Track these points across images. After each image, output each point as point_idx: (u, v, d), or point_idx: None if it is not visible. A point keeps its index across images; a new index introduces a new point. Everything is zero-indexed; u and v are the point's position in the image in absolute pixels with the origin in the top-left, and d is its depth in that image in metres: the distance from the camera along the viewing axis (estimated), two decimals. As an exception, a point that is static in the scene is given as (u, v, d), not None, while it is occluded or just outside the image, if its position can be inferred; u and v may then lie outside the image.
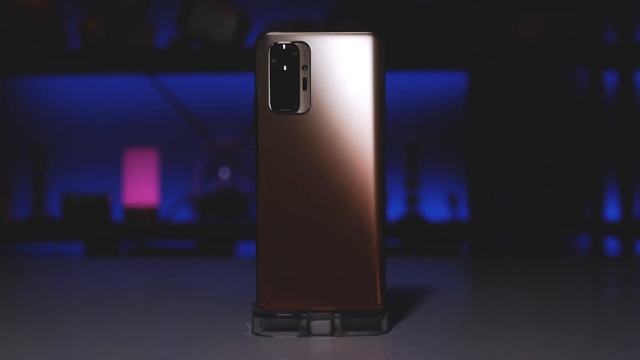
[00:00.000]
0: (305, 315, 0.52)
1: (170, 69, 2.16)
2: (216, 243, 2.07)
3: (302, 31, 0.53)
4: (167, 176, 2.17)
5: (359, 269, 0.51)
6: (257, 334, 0.52)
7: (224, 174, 2.08)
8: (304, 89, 0.52)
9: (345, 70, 0.52)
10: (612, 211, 2.15)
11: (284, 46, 0.52)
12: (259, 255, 0.52)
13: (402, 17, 2.02)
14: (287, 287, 0.52)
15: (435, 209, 2.15)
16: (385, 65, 0.52)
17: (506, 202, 2.17)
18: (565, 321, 0.58)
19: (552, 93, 2.26)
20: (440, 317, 0.59)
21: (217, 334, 0.53)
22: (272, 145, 0.52)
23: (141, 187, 2.07)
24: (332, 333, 0.52)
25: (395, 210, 2.11)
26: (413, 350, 0.49)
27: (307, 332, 0.52)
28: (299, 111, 0.52)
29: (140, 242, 2.16)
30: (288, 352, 0.49)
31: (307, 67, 0.52)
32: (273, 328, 0.52)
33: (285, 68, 0.52)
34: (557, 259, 1.22)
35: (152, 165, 2.09)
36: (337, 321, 0.52)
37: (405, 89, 2.20)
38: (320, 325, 0.52)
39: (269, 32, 0.52)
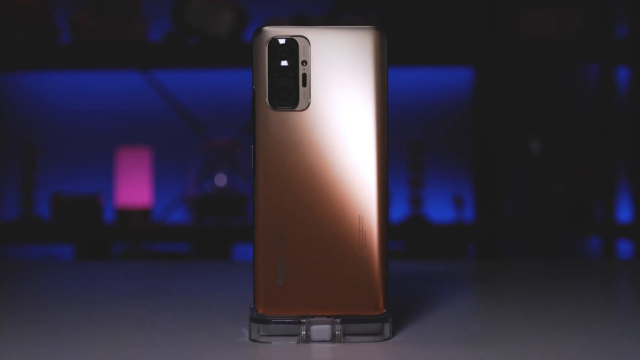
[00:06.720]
0: (304, 320, 0.51)
1: (164, 64, 2.13)
2: (212, 245, 2.06)
3: (302, 25, 0.49)
4: (161, 176, 2.15)
5: (361, 272, 0.51)
6: (255, 340, 0.52)
7: (221, 181, 2.05)
8: (304, 85, 0.51)
9: (346, 65, 0.51)
10: (624, 212, 2.11)
11: (282, 41, 0.51)
12: (256, 258, 0.51)
13: (404, 11, 1.99)
14: (286, 291, 0.51)
15: (440, 210, 2.12)
16: (387, 61, 0.51)
17: (513, 203, 2.14)
18: (575, 328, 0.57)
19: (561, 89, 2.22)
20: (445, 323, 0.58)
21: (213, 340, 0.53)
22: (270, 144, 0.51)
23: (134, 187, 2.05)
24: (332, 339, 0.51)
25: (399, 211, 2.08)
26: (417, 357, 0.49)
27: (307, 338, 0.51)
28: (298, 108, 0.51)
29: (133, 244, 2.14)
30: (287, 359, 0.48)
31: (307, 62, 0.51)
32: (271, 334, 0.51)
33: (283, 63, 0.51)
34: (566, 261, 1.22)
35: (145, 165, 2.07)
36: (337, 327, 0.51)
37: (408, 85, 2.18)
38: (321, 331, 0.51)
39: (267, 26, 0.52)
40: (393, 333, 0.52)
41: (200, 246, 2.06)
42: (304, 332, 0.51)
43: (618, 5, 2.11)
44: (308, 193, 0.51)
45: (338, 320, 0.51)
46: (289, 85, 0.51)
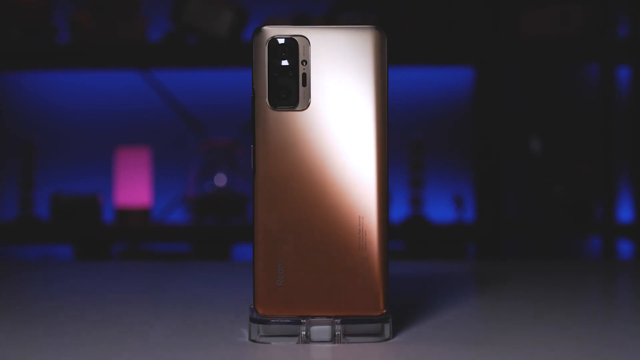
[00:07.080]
0: (304, 321, 0.51)
1: (164, 64, 2.12)
2: (212, 245, 2.05)
3: (302, 25, 0.48)
4: (161, 176, 2.14)
5: (361, 272, 0.50)
6: (255, 341, 0.51)
7: (220, 181, 2.05)
8: (304, 85, 0.51)
9: (346, 65, 0.51)
10: (624, 212, 2.10)
11: (282, 40, 0.51)
12: (256, 258, 0.51)
13: (404, 11, 1.98)
14: (285, 291, 0.51)
15: (440, 210, 2.11)
16: (388, 60, 0.51)
17: (513, 203, 2.13)
18: (576, 329, 0.57)
19: (561, 89, 2.22)
20: (445, 323, 0.58)
21: (213, 341, 0.52)
22: (270, 144, 0.51)
23: (133, 187, 2.04)
24: (332, 340, 0.51)
25: (399, 211, 2.07)
26: (417, 357, 0.48)
27: (307, 339, 0.51)
28: (298, 108, 0.51)
29: (132, 244, 2.13)
30: None
31: (307, 62, 0.51)
32: (271, 334, 0.51)
33: (283, 63, 0.51)
34: (567, 262, 1.21)
35: (144, 165, 2.06)
36: (337, 327, 0.51)
37: (408, 85, 2.17)
38: (320, 331, 0.51)
39: (267, 25, 0.51)
40: (393, 334, 0.52)
41: (200, 246, 2.05)
42: (304, 333, 0.51)
43: (618, 5, 2.10)
44: (308, 193, 0.51)
45: (338, 321, 0.51)
46: (289, 85, 0.51)
